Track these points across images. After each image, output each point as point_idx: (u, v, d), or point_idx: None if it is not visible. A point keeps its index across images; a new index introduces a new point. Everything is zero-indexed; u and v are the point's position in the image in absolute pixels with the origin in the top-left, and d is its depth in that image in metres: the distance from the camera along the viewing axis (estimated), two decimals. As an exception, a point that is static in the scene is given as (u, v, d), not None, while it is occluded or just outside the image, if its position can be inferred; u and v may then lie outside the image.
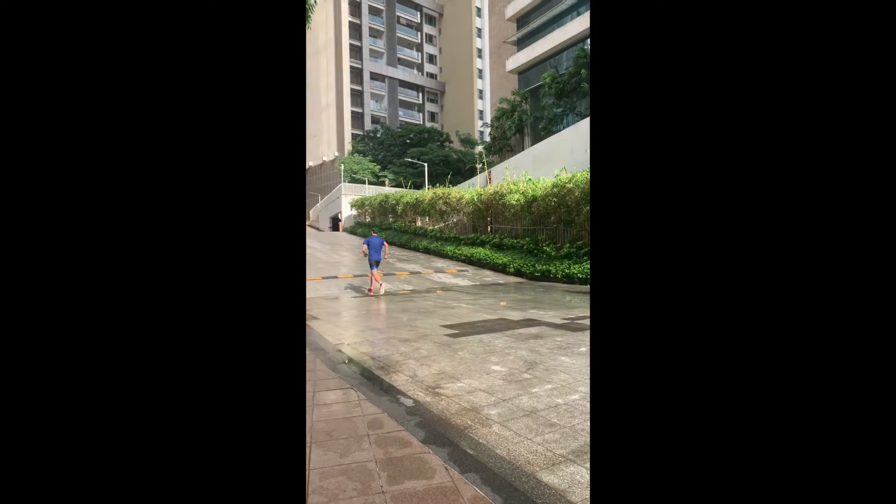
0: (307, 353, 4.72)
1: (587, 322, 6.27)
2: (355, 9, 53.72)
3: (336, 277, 11.87)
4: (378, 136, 45.83)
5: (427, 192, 19.37)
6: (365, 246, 9.48)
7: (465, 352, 4.82)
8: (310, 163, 59.37)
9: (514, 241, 13.61)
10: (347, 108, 52.45)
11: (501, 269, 13.18)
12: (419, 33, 59.44)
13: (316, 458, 2.38)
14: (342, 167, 37.80)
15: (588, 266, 10.53)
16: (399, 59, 57.45)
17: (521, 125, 31.47)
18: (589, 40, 25.50)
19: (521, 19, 32.79)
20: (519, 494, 2.08)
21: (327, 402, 3.26)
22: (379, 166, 39.52)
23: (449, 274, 13.02)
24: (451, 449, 2.51)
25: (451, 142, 44.37)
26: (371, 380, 3.89)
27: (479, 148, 41.19)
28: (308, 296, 9.18)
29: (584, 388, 3.60)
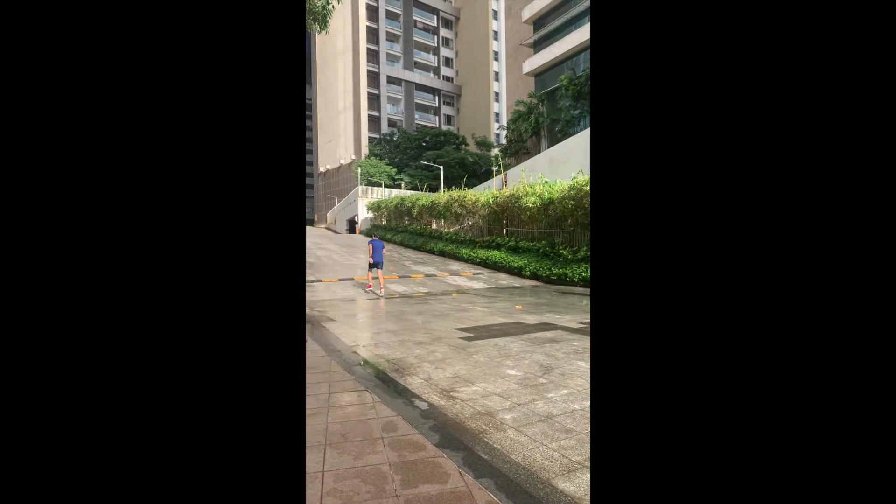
0: (323, 354, 4.76)
1: (604, 326, 6.17)
2: (373, 13, 54.28)
3: (352, 279, 11.96)
4: (394, 139, 46.12)
5: (442, 195, 19.39)
6: (370, 246, 9.97)
7: (479, 355, 4.79)
8: (327, 166, 60.09)
9: (529, 245, 13.52)
10: (364, 112, 52.94)
11: (517, 272, 13.10)
12: (436, 37, 59.71)
13: (331, 460, 2.39)
14: (359, 170, 38.14)
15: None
16: (415, 62, 57.79)
17: (537, 127, 31.31)
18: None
19: (538, 21, 32.69)
20: (534, 501, 2.05)
21: (342, 404, 3.27)
22: (395, 169, 39.74)
23: (464, 277, 13.00)
24: (465, 453, 2.49)
25: (466, 144, 44.40)
26: (386, 382, 3.90)
27: (495, 150, 41.14)
28: (324, 297, 9.27)
29: (601, 393, 3.54)
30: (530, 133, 31.63)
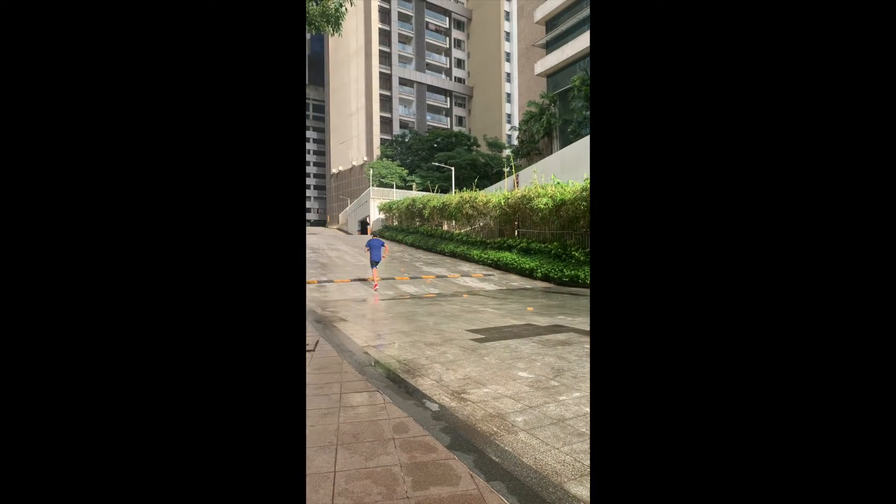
0: (336, 354, 4.78)
1: (617, 329, 6.11)
2: (385, 16, 54.57)
3: (364, 280, 12.01)
4: (406, 140, 46.27)
5: (454, 196, 19.39)
6: (368, 248, 10.76)
7: (491, 357, 4.77)
8: (339, 167, 60.53)
9: (541, 246, 13.44)
10: (376, 114, 53.23)
11: (528, 273, 13.03)
12: (448, 38, 59.80)
13: (342, 461, 2.40)
14: (371, 171, 38.32)
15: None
16: (427, 64, 57.93)
17: (549, 128, 31.14)
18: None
19: (550, 22, 32.53)
20: (546, 505, 2.03)
21: (354, 405, 3.28)
22: (406, 170, 39.85)
23: (475, 278, 12.97)
24: (476, 456, 2.48)
25: (478, 146, 44.34)
26: (397, 383, 3.90)
27: (507, 151, 41.01)
28: (337, 298, 9.33)
29: (614, 397, 3.50)
30: (542, 134, 31.47)
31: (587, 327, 6.37)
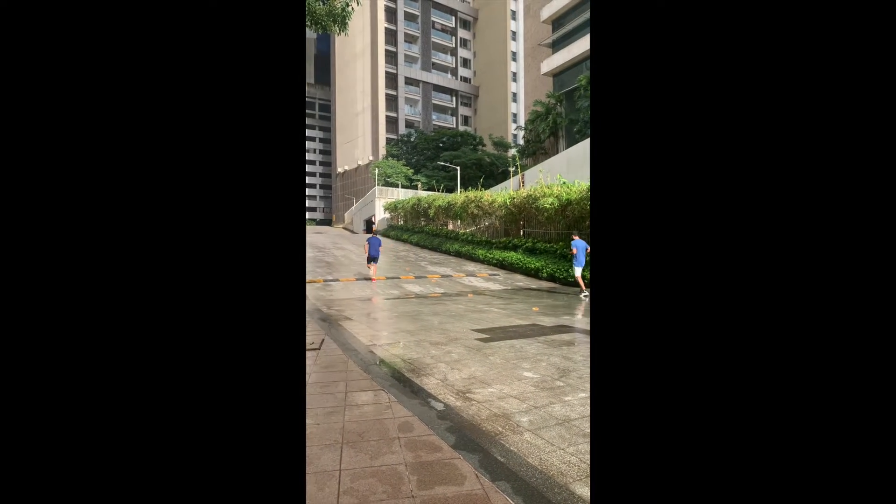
0: (341, 353, 4.80)
1: (623, 330, 6.08)
2: (391, 15, 54.62)
3: (369, 280, 12.04)
4: (412, 140, 46.28)
5: (459, 196, 19.38)
6: (366, 244, 12.06)
7: (496, 357, 4.77)
8: (345, 167, 60.68)
9: (547, 246, 13.40)
10: (382, 113, 53.30)
11: (534, 273, 13.00)
12: (453, 38, 59.76)
13: (347, 459, 2.41)
14: (376, 171, 38.37)
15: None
16: (433, 63, 57.93)
17: (555, 128, 31.05)
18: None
19: (557, 21, 32.42)
20: (551, 506, 2.02)
21: (359, 403, 3.29)
22: (412, 170, 39.86)
23: (480, 278, 12.96)
24: (481, 456, 2.48)
25: (484, 145, 44.28)
26: (402, 382, 3.91)
27: (513, 151, 40.91)
28: (342, 296, 9.35)
29: (620, 398, 3.49)
30: (548, 134, 31.38)
31: (593, 328, 6.34)
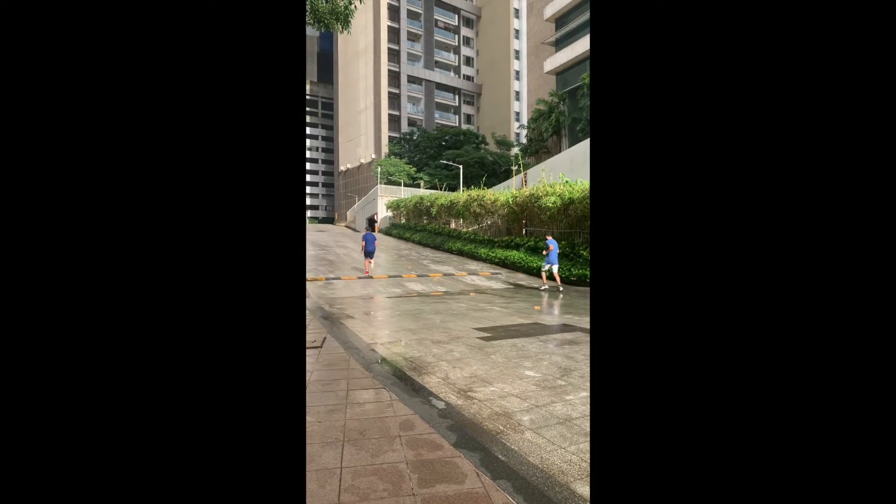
0: (343, 351, 4.81)
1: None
2: (394, 13, 54.55)
3: (371, 277, 12.05)
4: (414, 138, 46.26)
5: (461, 195, 19.37)
6: (363, 241, 12.83)
7: (497, 355, 4.77)
8: (347, 165, 60.72)
9: (549, 245, 13.39)
10: (385, 111, 53.28)
11: (536, 272, 12.99)
12: (456, 36, 59.66)
13: (348, 457, 2.41)
14: (379, 169, 38.38)
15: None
16: (436, 61, 57.85)
17: (558, 127, 30.99)
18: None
19: (560, 19, 32.34)
20: (552, 505, 2.02)
21: (360, 402, 3.30)
22: (414, 168, 39.85)
23: (482, 276, 12.96)
24: (482, 454, 2.48)
25: (486, 144, 44.22)
26: (403, 380, 3.91)
27: (515, 150, 40.87)
28: (344, 295, 9.37)
29: (622, 397, 3.49)
30: (551, 132, 31.32)
31: (595, 327, 6.34)
